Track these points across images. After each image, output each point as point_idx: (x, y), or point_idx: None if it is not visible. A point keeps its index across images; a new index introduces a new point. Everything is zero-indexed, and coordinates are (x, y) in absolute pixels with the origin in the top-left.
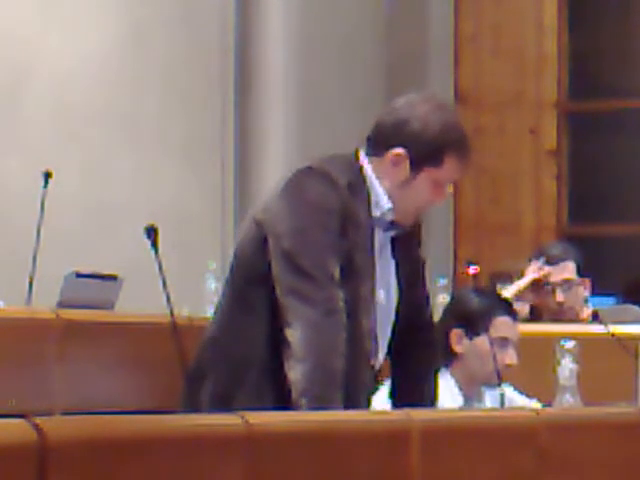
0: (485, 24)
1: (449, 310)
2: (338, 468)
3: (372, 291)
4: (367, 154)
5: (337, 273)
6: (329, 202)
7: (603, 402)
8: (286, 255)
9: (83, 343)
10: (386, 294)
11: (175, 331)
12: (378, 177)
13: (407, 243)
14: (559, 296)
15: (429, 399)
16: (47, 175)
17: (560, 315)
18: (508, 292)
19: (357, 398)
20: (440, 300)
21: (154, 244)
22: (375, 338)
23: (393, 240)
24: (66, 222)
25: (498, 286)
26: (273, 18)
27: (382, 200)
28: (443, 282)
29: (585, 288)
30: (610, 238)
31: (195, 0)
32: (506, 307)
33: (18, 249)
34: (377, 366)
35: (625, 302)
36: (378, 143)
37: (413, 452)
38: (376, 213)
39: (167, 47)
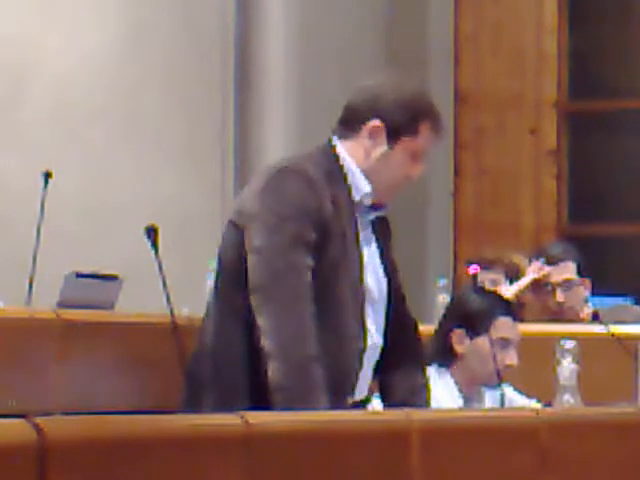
0: (485, 24)
1: (450, 310)
2: (338, 468)
3: (360, 276)
4: (340, 137)
5: (309, 263)
6: (305, 201)
7: (603, 402)
8: (256, 251)
9: (83, 343)
10: (374, 278)
11: (175, 331)
12: (354, 157)
13: (383, 235)
14: (559, 296)
15: (420, 397)
16: (47, 175)
17: (560, 315)
18: (508, 292)
19: (344, 382)
20: (440, 300)
21: (154, 244)
22: (363, 323)
23: (372, 227)
24: (66, 222)
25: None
26: (273, 18)
27: (361, 183)
28: (443, 282)
29: (585, 288)
30: (610, 238)
31: (195, 0)
32: (507, 308)
33: (18, 249)
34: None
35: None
36: (352, 121)
37: (413, 452)
38: (356, 197)
39: (167, 47)
